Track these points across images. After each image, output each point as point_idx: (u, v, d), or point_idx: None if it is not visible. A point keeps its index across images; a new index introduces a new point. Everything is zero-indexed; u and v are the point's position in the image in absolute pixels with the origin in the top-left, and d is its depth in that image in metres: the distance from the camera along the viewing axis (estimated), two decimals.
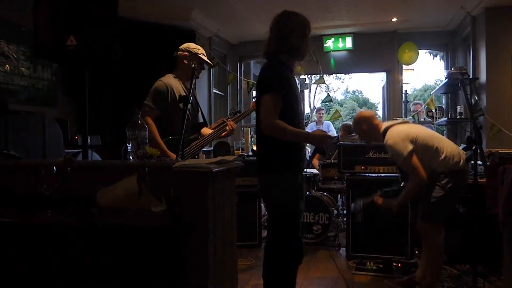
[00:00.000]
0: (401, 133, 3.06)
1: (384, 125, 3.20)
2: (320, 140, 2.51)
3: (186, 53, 3.07)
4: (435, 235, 3.05)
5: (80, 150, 3.23)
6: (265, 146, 2.52)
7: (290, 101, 2.44)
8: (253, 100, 3.48)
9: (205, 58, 3.13)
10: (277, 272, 2.50)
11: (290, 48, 2.49)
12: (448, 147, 3.01)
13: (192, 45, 3.14)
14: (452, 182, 2.97)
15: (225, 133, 3.18)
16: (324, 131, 2.64)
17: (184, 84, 3.07)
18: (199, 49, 3.11)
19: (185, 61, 3.06)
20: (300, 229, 2.52)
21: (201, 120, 3.22)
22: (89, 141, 2.96)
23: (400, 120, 3.31)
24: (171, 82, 3.00)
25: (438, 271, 3.13)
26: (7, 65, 4.22)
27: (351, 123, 5.95)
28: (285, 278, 2.52)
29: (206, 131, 3.16)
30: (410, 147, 2.95)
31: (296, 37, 2.49)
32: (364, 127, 3.24)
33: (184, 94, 2.89)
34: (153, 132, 2.78)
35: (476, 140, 2.46)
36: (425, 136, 3.06)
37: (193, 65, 2.90)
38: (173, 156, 2.71)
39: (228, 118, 3.43)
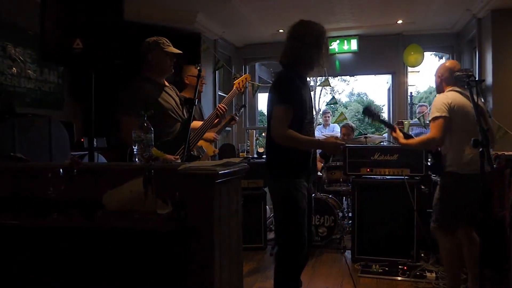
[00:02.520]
0: (448, 97, 3.02)
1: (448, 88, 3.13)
2: (333, 148, 2.55)
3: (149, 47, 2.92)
4: (442, 240, 3.03)
5: (86, 152, 3.24)
6: (273, 153, 2.61)
7: (300, 113, 2.50)
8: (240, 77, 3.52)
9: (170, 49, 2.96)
10: (285, 278, 2.55)
11: (303, 59, 2.53)
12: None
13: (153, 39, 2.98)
14: (452, 185, 2.94)
15: (216, 119, 3.16)
16: (338, 138, 2.65)
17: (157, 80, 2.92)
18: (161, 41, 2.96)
19: (149, 58, 2.91)
20: (304, 236, 2.54)
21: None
22: (95, 143, 2.97)
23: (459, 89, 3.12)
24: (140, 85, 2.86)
25: (451, 276, 3.07)
26: (14, 68, 4.25)
27: (350, 123, 5.95)
28: (292, 282, 2.57)
29: (196, 124, 3.08)
30: (445, 113, 2.93)
31: (309, 48, 2.51)
32: (446, 74, 3.14)
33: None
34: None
35: (482, 143, 2.44)
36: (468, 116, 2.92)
37: (198, 67, 2.91)
38: (170, 157, 2.67)
39: (236, 114, 3.49)
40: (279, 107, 2.46)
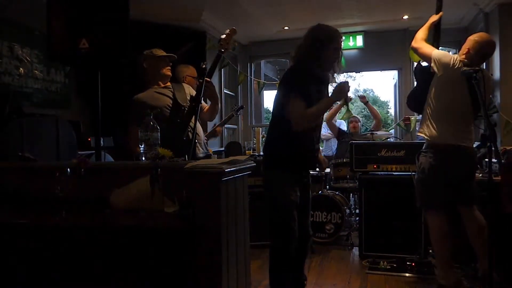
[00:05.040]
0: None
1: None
2: (341, 92, 2.61)
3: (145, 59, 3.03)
4: (429, 220, 3.07)
5: (93, 151, 3.26)
6: (271, 145, 2.74)
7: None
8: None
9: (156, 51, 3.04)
10: (276, 271, 2.63)
11: (312, 57, 2.59)
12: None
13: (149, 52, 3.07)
14: (431, 160, 2.98)
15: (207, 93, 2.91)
16: (342, 83, 2.67)
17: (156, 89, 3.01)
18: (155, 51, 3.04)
19: (145, 66, 3.03)
20: (292, 229, 2.57)
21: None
22: (102, 142, 2.98)
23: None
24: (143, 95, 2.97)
25: (441, 264, 3.07)
26: (21, 69, 4.28)
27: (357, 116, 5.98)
28: (284, 276, 2.64)
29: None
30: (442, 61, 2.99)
31: (318, 48, 2.58)
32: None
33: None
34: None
35: (490, 138, 2.42)
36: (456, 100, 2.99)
37: (203, 66, 2.92)
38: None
39: (233, 114, 3.47)
40: (292, 99, 2.53)
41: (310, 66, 2.61)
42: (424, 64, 3.25)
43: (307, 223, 2.79)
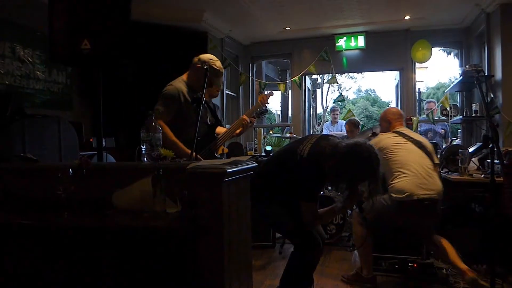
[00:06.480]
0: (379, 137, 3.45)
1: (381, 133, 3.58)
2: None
3: (199, 64, 3.02)
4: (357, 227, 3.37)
5: (95, 152, 3.27)
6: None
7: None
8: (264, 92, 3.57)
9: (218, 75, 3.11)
10: (298, 277, 2.67)
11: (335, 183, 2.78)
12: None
13: (208, 57, 3.10)
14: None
15: (240, 129, 3.25)
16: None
17: (191, 91, 3.07)
18: (215, 62, 3.07)
19: (199, 70, 3.02)
20: (315, 236, 2.63)
21: (213, 120, 3.27)
22: (103, 143, 2.99)
23: (391, 134, 3.44)
24: (181, 86, 3.01)
25: (364, 261, 3.40)
26: (23, 69, 4.29)
27: (353, 119, 5.93)
28: (305, 282, 2.72)
29: (220, 130, 3.23)
30: None
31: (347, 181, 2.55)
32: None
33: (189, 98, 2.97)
34: (167, 133, 2.80)
35: (492, 138, 2.43)
36: (396, 156, 3.21)
37: (205, 67, 2.92)
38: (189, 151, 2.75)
39: (254, 116, 3.54)
40: (307, 203, 2.56)
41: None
42: None
43: (320, 229, 2.84)
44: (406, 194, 3.04)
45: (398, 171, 3.14)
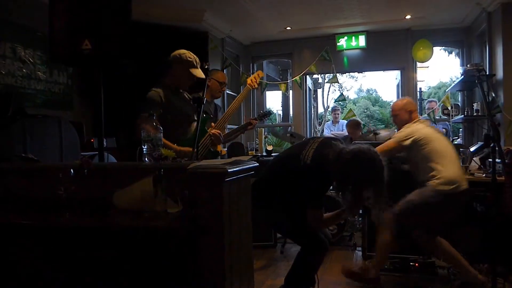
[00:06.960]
0: (412, 127, 3.26)
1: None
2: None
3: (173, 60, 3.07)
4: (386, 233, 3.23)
5: (96, 152, 3.27)
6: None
7: None
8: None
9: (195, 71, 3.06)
10: (303, 278, 2.70)
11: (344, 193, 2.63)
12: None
13: (178, 52, 3.10)
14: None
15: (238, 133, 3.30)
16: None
17: (175, 90, 3.08)
18: (186, 53, 3.07)
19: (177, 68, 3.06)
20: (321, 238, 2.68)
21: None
22: (104, 143, 2.99)
23: (424, 125, 3.34)
24: (160, 89, 3.01)
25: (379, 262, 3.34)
26: (24, 70, 4.29)
27: (354, 119, 5.92)
28: (309, 282, 2.73)
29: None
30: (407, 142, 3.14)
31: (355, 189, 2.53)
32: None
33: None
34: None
35: (494, 138, 2.42)
36: (437, 146, 3.11)
37: (206, 66, 2.92)
38: (189, 149, 2.79)
39: (255, 118, 3.57)
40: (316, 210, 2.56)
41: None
42: None
43: (325, 230, 2.90)
44: (455, 185, 2.94)
45: (440, 162, 3.03)
